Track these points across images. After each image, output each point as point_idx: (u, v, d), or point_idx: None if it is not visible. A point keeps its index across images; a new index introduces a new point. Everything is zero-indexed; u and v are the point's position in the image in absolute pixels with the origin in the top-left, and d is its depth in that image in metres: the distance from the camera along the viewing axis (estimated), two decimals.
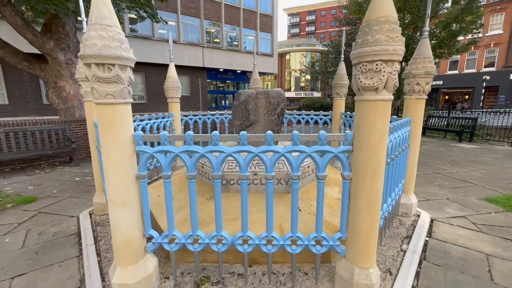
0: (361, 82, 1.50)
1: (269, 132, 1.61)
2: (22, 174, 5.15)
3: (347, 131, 1.63)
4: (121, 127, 1.57)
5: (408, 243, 2.47)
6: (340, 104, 4.37)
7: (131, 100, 1.64)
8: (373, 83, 1.45)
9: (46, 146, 5.74)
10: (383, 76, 1.43)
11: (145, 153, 1.68)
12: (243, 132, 1.62)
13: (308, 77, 36.02)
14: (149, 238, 1.86)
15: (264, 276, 2.01)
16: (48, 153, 5.50)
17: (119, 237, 1.68)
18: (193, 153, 1.68)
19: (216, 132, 1.63)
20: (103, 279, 2.01)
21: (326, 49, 17.34)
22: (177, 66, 4.33)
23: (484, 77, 21.18)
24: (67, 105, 6.50)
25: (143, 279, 1.75)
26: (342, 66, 4.26)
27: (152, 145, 1.91)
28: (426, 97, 2.78)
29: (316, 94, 36.93)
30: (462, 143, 8.50)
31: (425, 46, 2.65)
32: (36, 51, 6.27)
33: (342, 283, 1.78)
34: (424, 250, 2.43)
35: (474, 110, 14.95)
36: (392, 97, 1.51)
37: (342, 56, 4.37)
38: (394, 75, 1.45)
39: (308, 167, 2.83)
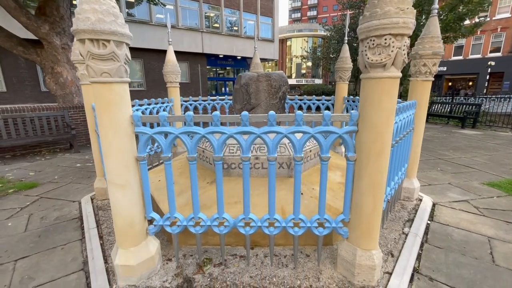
0: (368, 58, 1.43)
1: (272, 112, 1.56)
2: (23, 160, 5.14)
3: (352, 111, 1.57)
4: (119, 107, 1.52)
5: (410, 226, 2.47)
6: (343, 89, 4.28)
7: (128, 80, 1.58)
8: (381, 59, 1.39)
9: (45, 132, 5.71)
10: (392, 51, 1.36)
11: (144, 134, 1.64)
12: (245, 113, 1.57)
13: (310, 63, 35.46)
14: (151, 221, 1.85)
15: (266, 258, 2.02)
16: (48, 139, 5.47)
17: (120, 219, 1.66)
18: (193, 135, 1.64)
19: (217, 113, 1.58)
20: (106, 261, 2.02)
21: (328, 34, 16.92)
22: (176, 52, 4.21)
23: (489, 62, 20.76)
24: (65, 91, 6.40)
25: (145, 261, 1.76)
26: (345, 49, 4.14)
27: (152, 127, 1.86)
28: (433, 79, 2.70)
29: (318, 81, 36.42)
30: (465, 129, 8.43)
31: (433, 25, 2.54)
32: (33, 37, 6.11)
33: (344, 264, 1.78)
34: (426, 233, 2.43)
35: (478, 96, 14.75)
36: (401, 75, 1.45)
37: (346, 38, 4.24)
38: (403, 50, 1.38)
39: (310, 151, 2.80)
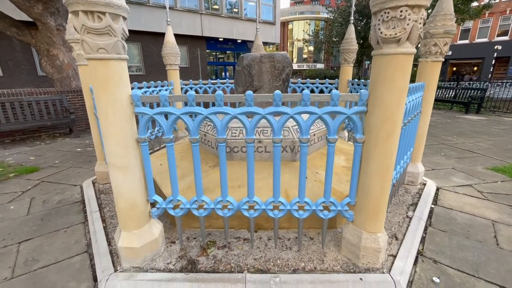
0: (381, 33, 1.34)
1: (277, 91, 1.49)
2: (23, 145, 5.10)
3: (361, 90, 1.50)
4: (117, 86, 1.45)
5: (414, 210, 2.46)
6: (347, 71, 4.16)
7: (126, 57, 1.49)
8: (395, 34, 1.30)
9: (44, 117, 5.63)
10: (408, 25, 1.27)
11: (144, 115, 1.57)
12: (249, 92, 1.50)
13: (311, 48, 34.62)
14: (154, 205, 1.83)
15: (270, 240, 2.01)
16: (47, 124, 5.41)
17: (122, 202, 1.63)
18: (195, 115, 1.57)
19: (220, 92, 1.51)
20: (109, 244, 2.01)
21: (332, 15, 16.40)
22: (174, 36, 4.05)
23: (496, 47, 20.24)
24: (62, 74, 6.26)
25: (149, 243, 1.74)
26: (351, 29, 3.98)
27: (152, 107, 1.80)
28: (443, 59, 2.59)
29: (319, 66, 35.70)
30: (469, 115, 8.32)
31: (447, 1, 2.41)
32: (27, 18, 5.88)
33: (349, 247, 1.77)
34: (430, 217, 2.42)
35: (481, 81, 14.48)
36: (415, 51, 1.36)
37: (352, 18, 4.07)
38: (420, 24, 1.29)
39: (314, 135, 2.74)
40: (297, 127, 2.60)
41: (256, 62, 2.80)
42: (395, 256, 1.84)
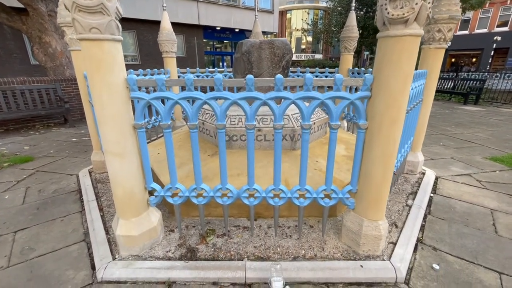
0: (388, 13, 1.28)
1: (279, 75, 1.43)
2: (17, 134, 5.00)
3: (366, 74, 1.45)
4: (112, 69, 1.38)
5: (414, 199, 2.45)
6: (347, 60, 4.08)
7: (121, 38, 1.42)
8: (403, 14, 1.24)
9: (38, 106, 5.50)
10: (416, 4, 1.21)
11: (141, 100, 1.52)
12: (250, 76, 1.44)
13: (310, 38, 34.16)
14: (151, 193, 1.79)
15: (269, 229, 2.00)
16: (40, 113, 5.29)
17: (120, 189, 1.60)
18: (194, 100, 1.52)
19: (219, 75, 1.46)
20: (107, 232, 1.99)
21: (331, 5, 16.10)
22: (171, 24, 3.93)
23: (495, 37, 20.10)
24: (55, 63, 6.09)
25: (147, 231, 1.72)
26: (352, 16, 3.89)
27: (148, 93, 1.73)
28: (446, 46, 2.54)
29: (318, 56, 35.32)
30: (467, 106, 8.32)
31: None
32: (18, 5, 5.66)
33: (350, 235, 1.77)
34: (429, 205, 2.42)
35: (480, 72, 14.43)
36: (423, 32, 1.31)
37: (353, 5, 3.97)
38: (428, 3, 1.23)
39: (314, 123, 2.70)
40: (297, 115, 2.56)
41: (255, 48, 2.72)
42: (395, 244, 1.84)
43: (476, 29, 22.95)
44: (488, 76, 10.38)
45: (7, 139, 4.67)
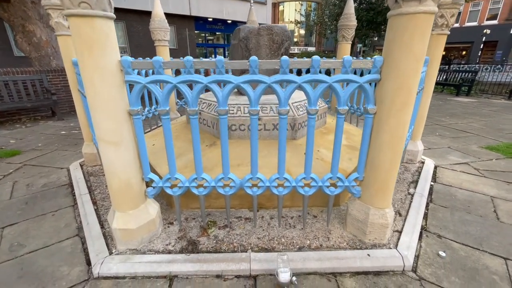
0: None
1: (285, 57, 1.35)
2: (1, 128, 4.77)
3: (375, 56, 1.39)
4: (104, 49, 1.27)
5: (415, 187, 2.44)
6: (345, 49, 4.01)
7: (113, 15, 1.31)
8: None
9: (23, 98, 5.25)
10: None
11: (136, 83, 1.41)
12: (254, 57, 1.36)
13: (303, 31, 33.91)
14: (149, 184, 1.70)
15: (272, 219, 1.94)
16: (26, 106, 5.06)
17: (115, 180, 1.50)
18: (194, 84, 1.43)
19: (221, 57, 1.36)
20: (102, 226, 1.89)
21: None
22: None
23: (485, 30, 20.37)
24: (40, 53, 5.81)
25: (145, 224, 1.64)
26: (350, 4, 3.81)
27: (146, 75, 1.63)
28: (449, 32, 2.49)
29: (311, 49, 35.14)
30: (459, 97, 8.41)
31: None
32: None
33: (355, 223, 1.73)
34: (430, 193, 2.41)
35: (471, 64, 14.62)
36: (437, 10, 1.25)
37: None
38: None
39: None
40: (297, 104, 2.48)
41: (253, 34, 2.62)
42: (400, 232, 1.81)
43: (467, 22, 23.21)
44: (478, 69, 10.51)
45: None
